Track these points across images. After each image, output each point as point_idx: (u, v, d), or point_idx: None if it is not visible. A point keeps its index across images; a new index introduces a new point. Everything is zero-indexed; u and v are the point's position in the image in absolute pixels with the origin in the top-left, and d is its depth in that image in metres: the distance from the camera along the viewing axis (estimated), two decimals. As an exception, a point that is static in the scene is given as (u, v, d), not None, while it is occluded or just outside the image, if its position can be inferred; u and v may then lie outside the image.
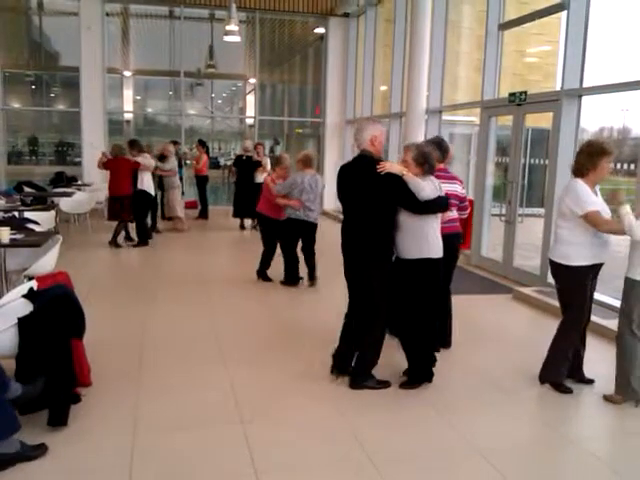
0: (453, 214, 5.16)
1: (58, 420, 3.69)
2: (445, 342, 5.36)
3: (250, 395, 4.34)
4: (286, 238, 7.58)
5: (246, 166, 12.10)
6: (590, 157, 4.38)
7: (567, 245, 4.43)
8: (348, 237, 4.48)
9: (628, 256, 4.32)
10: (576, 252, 4.39)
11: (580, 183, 4.39)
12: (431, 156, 4.43)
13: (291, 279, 7.67)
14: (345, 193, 4.53)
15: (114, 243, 10.09)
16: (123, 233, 10.29)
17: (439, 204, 4.36)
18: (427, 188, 4.20)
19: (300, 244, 7.62)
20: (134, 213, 10.18)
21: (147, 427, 3.79)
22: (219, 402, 4.21)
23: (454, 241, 5.14)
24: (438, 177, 4.61)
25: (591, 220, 4.31)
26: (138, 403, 4.13)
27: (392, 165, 4.26)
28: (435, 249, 4.39)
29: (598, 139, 5.00)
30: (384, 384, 4.53)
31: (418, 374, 4.57)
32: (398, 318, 4.53)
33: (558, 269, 4.52)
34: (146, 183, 10.37)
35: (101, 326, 5.28)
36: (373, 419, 4.03)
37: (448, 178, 5.17)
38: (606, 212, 4.39)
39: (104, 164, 10.05)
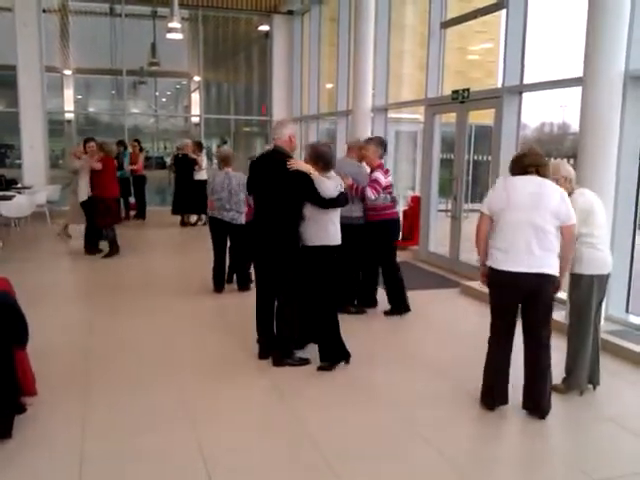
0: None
1: (2, 432, 3.57)
2: (372, 302, 6.53)
3: (200, 397, 4.30)
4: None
5: (182, 164, 12.39)
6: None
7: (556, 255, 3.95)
8: (261, 229, 4.80)
9: None
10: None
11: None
12: (326, 155, 4.72)
13: (214, 282, 7.27)
14: (258, 186, 4.86)
15: (116, 249, 9.33)
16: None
17: (340, 201, 4.70)
18: (331, 187, 4.55)
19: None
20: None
21: (95, 435, 3.71)
22: (168, 406, 4.15)
23: (393, 226, 6.42)
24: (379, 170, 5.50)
25: (574, 233, 3.94)
26: (85, 411, 4.03)
27: (300, 163, 4.62)
28: (332, 237, 4.74)
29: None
30: (304, 361, 4.88)
31: (331, 355, 4.83)
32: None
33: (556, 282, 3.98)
34: None
35: (46, 334, 5.13)
36: (323, 416, 4.05)
37: (386, 172, 6.19)
38: None
39: (99, 161, 8.86)
